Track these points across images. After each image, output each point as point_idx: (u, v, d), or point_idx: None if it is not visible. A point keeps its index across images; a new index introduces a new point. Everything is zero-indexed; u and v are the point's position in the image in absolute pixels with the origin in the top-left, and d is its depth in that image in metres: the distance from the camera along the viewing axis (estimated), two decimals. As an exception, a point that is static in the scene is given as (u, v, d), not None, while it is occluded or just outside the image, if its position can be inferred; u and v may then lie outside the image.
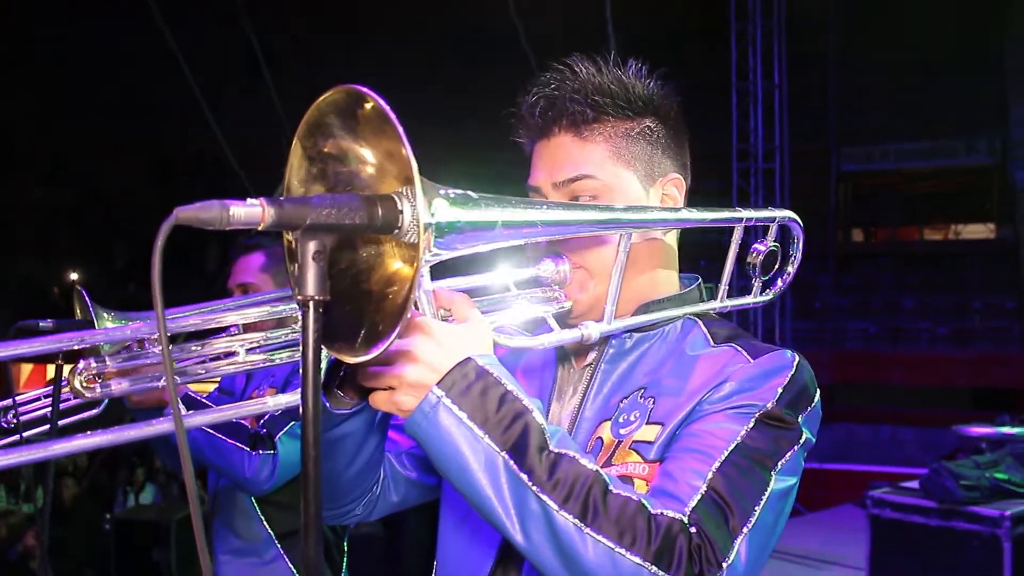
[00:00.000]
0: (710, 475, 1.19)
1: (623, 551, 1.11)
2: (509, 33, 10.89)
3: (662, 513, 1.14)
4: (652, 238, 1.44)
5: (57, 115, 15.35)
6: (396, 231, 1.02)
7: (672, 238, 1.49)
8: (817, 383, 1.35)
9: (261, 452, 2.51)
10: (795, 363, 1.31)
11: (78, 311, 2.31)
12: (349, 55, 12.80)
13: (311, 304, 0.93)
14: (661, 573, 1.11)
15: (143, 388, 1.16)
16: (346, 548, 2.92)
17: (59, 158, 16.28)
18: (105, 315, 2.28)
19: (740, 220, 1.49)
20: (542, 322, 1.35)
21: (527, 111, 1.42)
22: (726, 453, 1.21)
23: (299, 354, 1.03)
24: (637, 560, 1.10)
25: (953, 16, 14.00)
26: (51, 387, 2.37)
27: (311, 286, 0.93)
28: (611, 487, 1.15)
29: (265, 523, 2.76)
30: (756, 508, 1.20)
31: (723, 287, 1.51)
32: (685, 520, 1.14)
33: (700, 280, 1.51)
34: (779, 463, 1.24)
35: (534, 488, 1.12)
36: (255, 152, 12.61)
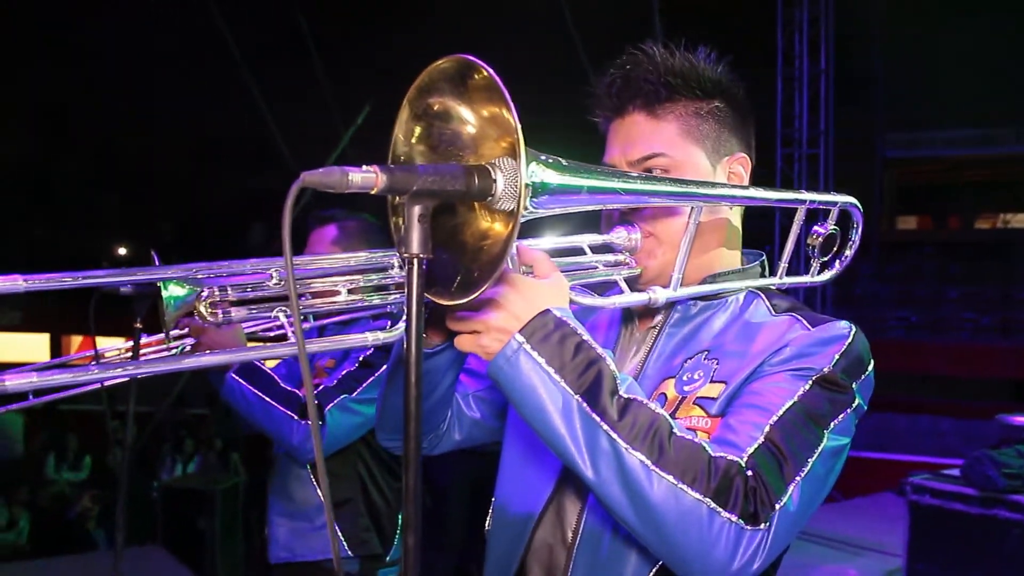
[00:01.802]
0: (767, 427, 1.29)
1: (685, 487, 1.20)
2: (555, 16, 10.88)
3: (722, 456, 1.24)
4: (719, 214, 1.54)
5: (106, 93, 15.59)
6: (489, 198, 1.14)
7: (737, 216, 1.59)
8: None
9: (308, 422, 2.59)
10: (852, 333, 1.40)
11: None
12: (396, 37, 12.87)
13: (415, 261, 1.02)
14: (719, 509, 1.20)
15: (259, 316, 1.27)
16: (400, 521, 2.96)
17: (108, 136, 16.52)
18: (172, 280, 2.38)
19: (803, 202, 1.60)
20: (612, 285, 1.47)
21: (603, 90, 1.53)
22: (783, 409, 1.31)
23: (388, 298, 1.17)
24: (698, 496, 1.20)
25: (1003, 0, 13.74)
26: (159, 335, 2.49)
27: (416, 245, 1.03)
28: (675, 430, 1.24)
29: (318, 490, 2.84)
30: (809, 459, 1.29)
31: (783, 265, 1.60)
32: (743, 463, 1.24)
33: (763, 257, 1.61)
34: (832, 423, 1.33)
35: (605, 427, 1.22)
36: (302, 132, 12.74)
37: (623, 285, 1.46)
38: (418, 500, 1.06)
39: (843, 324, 1.41)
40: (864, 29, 13.52)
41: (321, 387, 2.69)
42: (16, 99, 16.05)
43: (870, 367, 1.41)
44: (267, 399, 2.59)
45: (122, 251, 18.48)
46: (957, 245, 15.77)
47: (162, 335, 2.56)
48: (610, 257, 1.47)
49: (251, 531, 7.44)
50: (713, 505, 1.20)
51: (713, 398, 1.39)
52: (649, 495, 1.20)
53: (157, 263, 2.30)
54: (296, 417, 2.61)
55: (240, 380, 2.60)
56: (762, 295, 1.54)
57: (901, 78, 14.86)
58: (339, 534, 2.83)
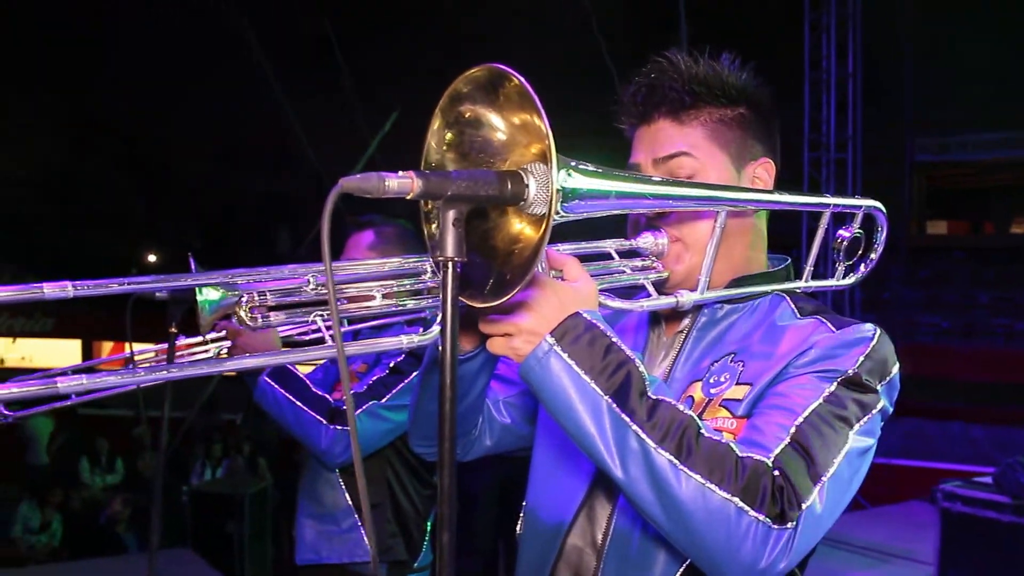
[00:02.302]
0: (793, 428, 1.30)
1: (713, 486, 1.21)
2: (581, 20, 10.90)
3: (749, 456, 1.25)
4: (745, 218, 1.55)
5: (133, 99, 15.79)
6: (522, 203, 1.17)
7: (763, 220, 1.61)
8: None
9: (338, 427, 2.62)
10: (876, 335, 1.42)
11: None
12: (421, 39, 12.93)
13: (450, 264, 1.05)
14: (746, 508, 1.21)
15: (296, 321, 1.32)
16: (428, 529, 2.97)
17: (135, 139, 16.73)
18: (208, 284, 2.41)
19: (828, 206, 1.62)
20: (640, 289, 1.49)
21: (629, 98, 1.55)
22: (808, 410, 1.32)
23: (422, 303, 1.20)
24: (725, 495, 1.21)
25: (1035, 2, 13.58)
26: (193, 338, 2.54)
27: (450, 248, 1.06)
28: (703, 430, 1.26)
29: (346, 493, 2.87)
30: (835, 460, 1.29)
31: (808, 268, 1.61)
32: (769, 463, 1.25)
33: (789, 261, 1.63)
34: (857, 424, 1.34)
35: (634, 427, 1.24)
36: (327, 135, 12.82)
37: (651, 289, 1.48)
38: (454, 501, 1.07)
39: (868, 326, 1.43)
40: (893, 32, 13.41)
41: (351, 392, 2.70)
42: (45, 106, 16.29)
43: (895, 369, 1.42)
44: (297, 403, 2.62)
45: (152, 258, 18.69)
46: (988, 250, 15.56)
47: (196, 339, 2.61)
48: (637, 262, 1.49)
49: (279, 535, 7.50)
50: (741, 504, 1.21)
51: (738, 400, 1.41)
52: (677, 494, 1.21)
53: (194, 268, 2.34)
54: (325, 421, 2.63)
55: (272, 383, 2.63)
56: (787, 298, 1.55)
57: (930, 81, 14.71)
58: (366, 539, 2.84)
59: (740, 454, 1.24)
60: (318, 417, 2.63)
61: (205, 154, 16.69)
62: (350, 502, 2.85)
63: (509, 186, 1.14)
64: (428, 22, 13.19)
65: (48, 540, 8.33)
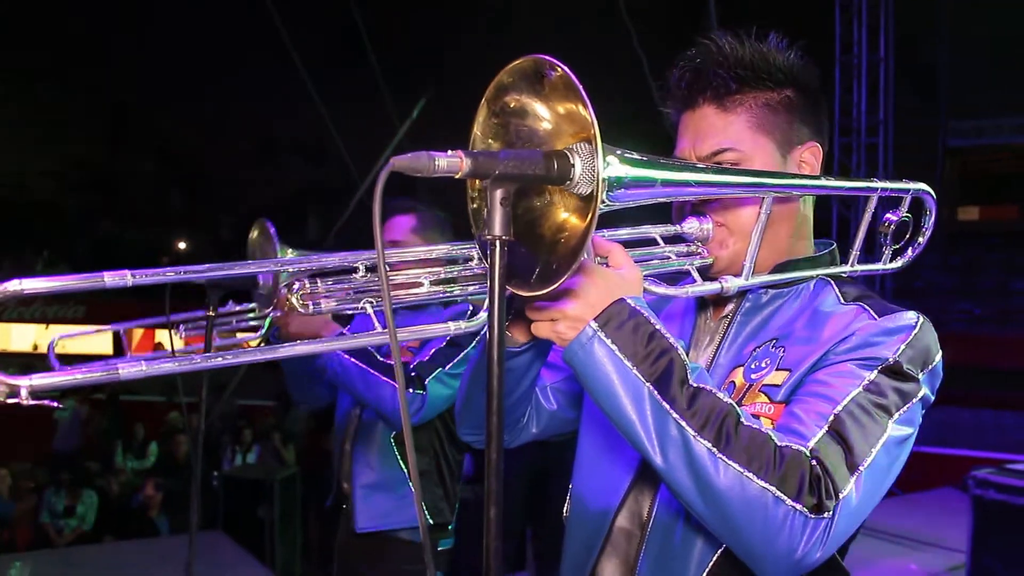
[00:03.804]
0: (832, 417, 1.30)
1: (751, 475, 1.22)
2: (609, 5, 10.82)
3: (788, 445, 1.25)
4: (790, 203, 1.54)
5: (167, 92, 15.93)
6: (568, 182, 1.17)
7: (808, 206, 1.60)
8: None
9: (411, 391, 2.72)
10: (919, 323, 1.41)
11: (262, 246, 2.43)
12: (451, 34, 12.94)
13: (498, 243, 1.06)
14: (783, 497, 1.21)
15: (346, 308, 1.32)
16: (458, 492, 3.11)
17: (169, 134, 16.91)
18: (289, 250, 2.46)
19: (875, 190, 1.60)
20: (686, 274, 1.49)
21: (674, 83, 1.54)
22: (848, 398, 1.31)
23: (468, 289, 1.21)
24: (763, 484, 1.22)
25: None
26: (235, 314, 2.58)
27: (498, 227, 1.07)
28: (743, 419, 1.26)
29: (400, 461, 2.94)
30: (873, 450, 1.29)
31: (855, 252, 1.61)
32: (807, 452, 1.25)
33: (834, 245, 1.61)
34: (897, 412, 1.33)
35: (675, 415, 1.25)
36: (358, 128, 12.87)
37: (695, 275, 1.48)
38: (500, 474, 1.09)
39: (911, 314, 1.41)
40: (926, 14, 13.22)
41: (416, 361, 2.78)
42: (84, 102, 16.49)
43: (937, 357, 1.41)
44: (368, 368, 2.68)
45: (182, 245, 18.87)
46: (1021, 236, 15.34)
47: (240, 308, 2.67)
48: (682, 247, 1.49)
49: (307, 520, 7.57)
50: (778, 493, 1.21)
51: (777, 385, 1.41)
52: (715, 482, 1.22)
53: (275, 237, 2.35)
54: (397, 385, 2.68)
55: (340, 352, 2.70)
56: (832, 283, 1.54)
57: (964, 65, 14.49)
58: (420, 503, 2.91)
59: (779, 443, 1.24)
60: (391, 381, 2.69)
61: (236, 145, 16.83)
62: (405, 470, 2.92)
63: (556, 165, 1.14)
64: (456, 10, 13.18)
65: (78, 524, 8.45)
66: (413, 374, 2.74)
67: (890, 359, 1.35)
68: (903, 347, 1.36)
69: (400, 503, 2.94)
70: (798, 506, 1.21)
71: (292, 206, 16.79)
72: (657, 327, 1.29)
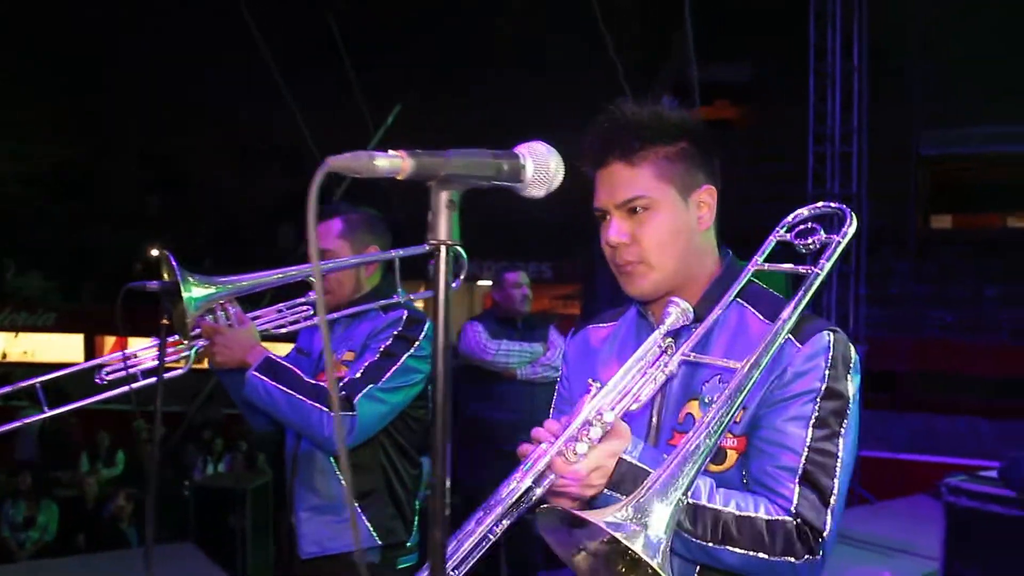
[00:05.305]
0: (800, 470, 1.59)
1: (761, 555, 1.56)
2: (586, 14, 10.81)
3: (775, 519, 1.57)
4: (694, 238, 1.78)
5: (143, 99, 15.83)
6: (519, 184, 1.18)
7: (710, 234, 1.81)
8: (855, 347, 1.70)
9: (336, 413, 2.60)
10: (831, 341, 1.64)
11: (165, 275, 2.44)
12: (427, 37, 12.91)
13: (443, 248, 1.01)
14: (790, 559, 1.56)
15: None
16: (417, 507, 3.00)
17: (146, 140, 16.78)
18: (191, 278, 2.41)
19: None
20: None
21: (587, 146, 1.76)
22: (805, 446, 1.60)
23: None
24: (765, 557, 1.56)
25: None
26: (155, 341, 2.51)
27: (443, 231, 1.01)
28: (736, 513, 1.56)
29: (343, 482, 2.85)
30: (836, 480, 1.60)
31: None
32: (792, 520, 1.57)
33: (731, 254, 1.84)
34: (842, 428, 1.62)
35: (685, 536, 1.56)
36: (333, 134, 12.79)
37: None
38: (446, 496, 1.04)
39: (823, 334, 1.64)
40: (900, 25, 13.31)
41: (346, 378, 2.69)
42: (62, 106, 16.34)
43: (853, 354, 1.66)
44: (293, 394, 2.59)
45: (155, 252, 18.69)
46: (994, 244, 15.49)
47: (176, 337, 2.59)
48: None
49: (279, 530, 7.49)
50: (783, 559, 1.56)
51: (736, 422, 1.63)
52: (732, 563, 1.58)
53: (176, 266, 2.32)
54: (325, 409, 2.60)
55: (263, 378, 2.60)
56: (747, 304, 1.75)
57: (937, 75, 14.62)
58: (368, 523, 2.84)
59: (767, 518, 1.56)
60: (318, 405, 2.61)
61: (213, 152, 16.74)
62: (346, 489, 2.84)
63: (506, 167, 1.12)
64: (431, 16, 13.15)
65: (39, 535, 8.28)
66: (342, 393, 2.63)
67: (822, 387, 1.62)
68: (827, 370, 1.62)
69: (344, 525, 2.82)
70: (799, 561, 1.56)
71: (267, 213, 16.67)
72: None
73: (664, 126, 1.71)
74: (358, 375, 2.68)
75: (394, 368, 2.70)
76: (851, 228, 1.78)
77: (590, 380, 1.60)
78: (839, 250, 1.76)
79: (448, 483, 1.06)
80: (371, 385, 2.66)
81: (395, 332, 2.76)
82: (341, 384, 2.66)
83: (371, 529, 2.84)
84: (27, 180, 17.75)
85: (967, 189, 16.93)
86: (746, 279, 1.76)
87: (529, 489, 1.56)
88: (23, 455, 11.04)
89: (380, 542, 2.85)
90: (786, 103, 11.61)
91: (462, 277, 2.75)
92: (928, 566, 5.70)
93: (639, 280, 1.73)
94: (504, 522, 1.58)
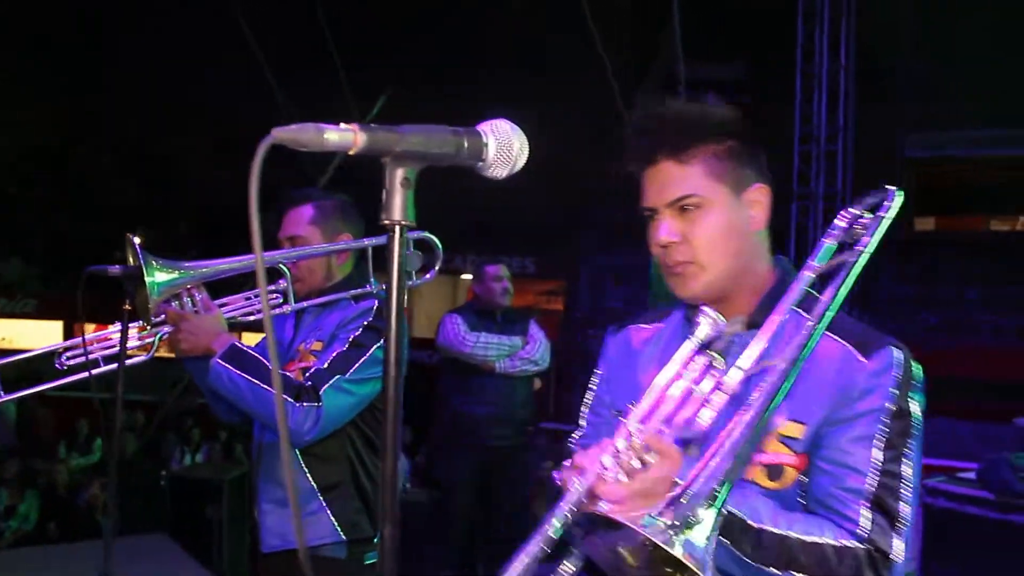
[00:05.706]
0: (869, 495, 1.56)
1: None
2: (575, 11, 10.76)
3: (844, 545, 1.53)
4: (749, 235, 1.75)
5: (127, 90, 15.73)
6: (480, 163, 1.10)
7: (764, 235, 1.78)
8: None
9: (305, 404, 2.56)
10: (901, 358, 1.62)
11: (130, 259, 2.40)
12: (416, 34, 12.83)
13: (397, 228, 0.96)
14: None
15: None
16: None
17: (128, 131, 16.65)
18: (154, 262, 2.37)
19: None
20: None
21: (633, 144, 1.72)
22: (874, 468, 1.57)
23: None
24: None
25: (1031, -2, 13.50)
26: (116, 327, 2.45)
27: (397, 211, 0.97)
28: (801, 538, 1.50)
29: (308, 475, 2.80)
30: (904, 503, 1.57)
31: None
32: (861, 545, 1.54)
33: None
34: (910, 451, 1.60)
35: (751, 563, 1.49)
36: (316, 120, 12.72)
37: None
38: (395, 486, 0.99)
39: (892, 351, 1.61)
40: (888, 24, 13.32)
41: (313, 369, 2.65)
42: (38, 92, 16.20)
43: (917, 371, 1.63)
44: (258, 383, 2.54)
45: (136, 240, 18.54)
46: (977, 246, 15.55)
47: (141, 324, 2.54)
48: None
49: (254, 521, 7.47)
50: None
51: (795, 438, 1.61)
52: None
53: (140, 252, 2.27)
54: (291, 399, 2.56)
55: (227, 366, 2.55)
56: (801, 312, 1.63)
57: (925, 76, 14.64)
58: (332, 518, 2.79)
59: (835, 543, 1.51)
60: (284, 396, 2.56)
61: (194, 141, 16.64)
62: (313, 484, 2.79)
63: (466, 144, 1.05)
64: (424, 19, 13.09)
65: (19, 524, 8.20)
66: (308, 383, 2.59)
67: (890, 406, 1.58)
68: (894, 390, 1.59)
69: (308, 519, 2.76)
70: None
71: (247, 203, 16.50)
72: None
73: (713, 123, 1.69)
74: (325, 365, 2.64)
75: (363, 359, 2.66)
76: (895, 203, 1.69)
77: (630, 404, 1.57)
78: (884, 225, 1.67)
79: (405, 476, 1.01)
80: (338, 376, 2.62)
81: (365, 322, 2.71)
82: (307, 375, 2.61)
83: (336, 524, 2.79)
84: (7, 167, 17.60)
85: (951, 191, 16.98)
86: (805, 287, 1.66)
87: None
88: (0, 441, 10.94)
89: (344, 537, 2.81)
90: (773, 102, 11.62)
91: (436, 268, 2.71)
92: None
93: (690, 281, 1.68)
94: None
